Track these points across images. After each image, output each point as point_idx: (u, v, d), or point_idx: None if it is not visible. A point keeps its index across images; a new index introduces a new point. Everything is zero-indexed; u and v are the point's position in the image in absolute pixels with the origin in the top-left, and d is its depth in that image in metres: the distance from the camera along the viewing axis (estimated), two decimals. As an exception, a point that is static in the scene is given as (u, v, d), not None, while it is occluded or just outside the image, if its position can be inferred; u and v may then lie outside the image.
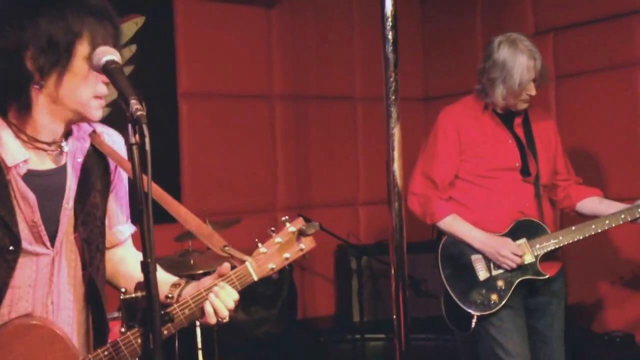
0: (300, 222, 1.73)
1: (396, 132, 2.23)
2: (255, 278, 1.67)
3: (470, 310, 2.76)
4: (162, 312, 1.43)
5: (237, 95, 4.59)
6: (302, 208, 4.65)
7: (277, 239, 1.69)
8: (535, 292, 2.87)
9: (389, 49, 2.19)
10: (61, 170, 1.60)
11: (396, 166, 2.24)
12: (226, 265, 1.67)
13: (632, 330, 3.85)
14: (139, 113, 1.28)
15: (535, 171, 2.87)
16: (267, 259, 1.67)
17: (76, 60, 1.50)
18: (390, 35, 2.16)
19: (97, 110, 1.56)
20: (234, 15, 4.57)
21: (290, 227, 1.70)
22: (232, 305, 1.64)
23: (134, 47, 4.15)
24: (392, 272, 2.19)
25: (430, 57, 5.29)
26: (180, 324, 1.62)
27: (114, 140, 1.74)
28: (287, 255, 1.69)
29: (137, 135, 1.27)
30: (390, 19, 2.14)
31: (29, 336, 1.52)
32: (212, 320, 1.62)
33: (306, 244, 1.72)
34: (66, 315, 1.62)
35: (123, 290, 1.45)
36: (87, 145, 1.66)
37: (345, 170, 4.99)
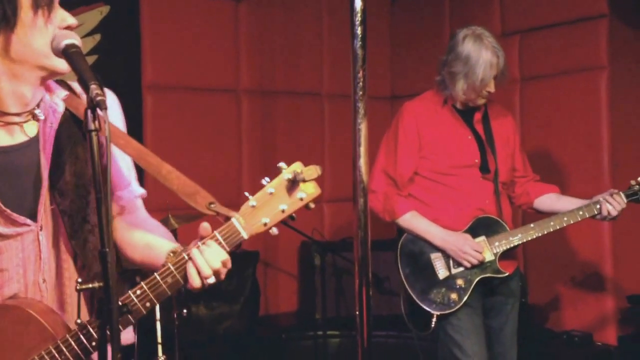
0: (297, 167, 1.49)
1: (363, 128, 2.22)
2: (245, 235, 1.47)
3: (430, 310, 2.75)
4: (120, 304, 1.38)
5: (203, 89, 4.54)
6: (266, 204, 4.62)
7: (269, 189, 1.46)
8: (492, 291, 2.87)
9: (357, 44, 2.17)
10: (34, 141, 1.52)
11: (362, 162, 2.22)
12: (205, 225, 1.50)
13: (590, 329, 3.92)
14: (99, 98, 1.24)
15: (494, 168, 2.85)
16: (257, 213, 1.45)
17: (23, 10, 1.42)
18: (359, 31, 2.14)
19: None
20: (202, 8, 4.51)
21: (286, 174, 1.47)
22: (217, 265, 1.46)
23: (98, 37, 4.07)
24: (356, 268, 2.17)
25: (398, 56, 5.30)
26: (164, 294, 1.48)
27: None
28: (283, 206, 1.46)
29: (96, 121, 1.23)
30: (359, 14, 2.12)
31: (3, 318, 1.46)
32: (195, 282, 1.46)
33: (307, 191, 1.47)
34: (61, 292, 1.55)
35: (79, 280, 1.39)
36: (61, 110, 1.56)
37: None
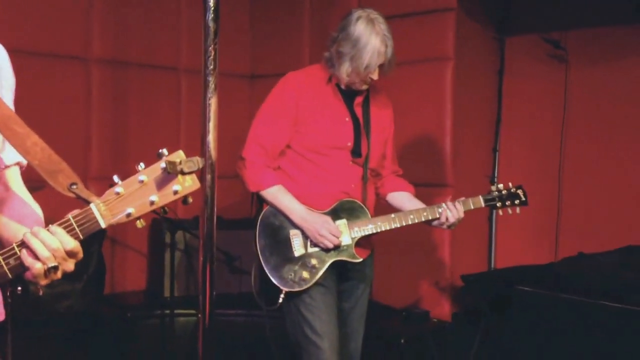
0: (177, 156, 1.36)
1: (213, 103, 2.19)
2: (103, 224, 1.33)
3: (279, 285, 2.71)
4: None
5: (48, 54, 4.26)
6: (116, 179, 4.46)
7: (142, 176, 1.33)
8: (346, 274, 2.87)
9: (210, 16, 2.14)
10: None
11: (211, 138, 2.20)
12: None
13: (428, 307, 4.15)
14: None
15: (366, 153, 2.83)
16: (123, 201, 1.32)
17: None
18: (211, 3, 2.11)
19: None
20: (50, -33, 4.24)
21: (162, 163, 1.34)
22: (55, 244, 1.31)
23: None
24: (201, 245, 2.15)
25: (258, 35, 5.27)
26: (4, 277, 1.33)
27: None
28: (153, 198, 1.33)
29: None
30: (212, -14, 2.08)
31: None
32: (32, 265, 1.32)
33: (184, 185, 1.35)
34: None
35: None
36: None
37: (166, 143, 4.80)
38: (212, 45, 2.14)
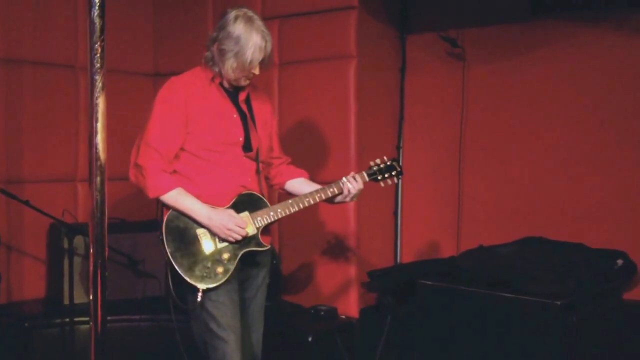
0: None
1: (100, 102, 2.12)
2: None
3: (197, 284, 2.74)
4: None
5: None
6: (10, 183, 4.25)
7: None
8: (249, 264, 2.94)
9: (95, 12, 2.07)
10: None
11: (99, 139, 2.13)
12: None
13: (336, 304, 4.17)
14: None
15: (257, 147, 2.94)
16: None
17: None
18: (97, -1, 2.03)
19: None
20: None
21: None
22: None
23: None
24: (91, 251, 2.07)
25: (161, 32, 5.15)
26: None
27: None
28: None
29: None
30: (97, -19, 2.01)
31: None
32: None
33: None
34: None
35: None
36: None
37: (63, 144, 4.65)
38: (99, 43, 2.06)
